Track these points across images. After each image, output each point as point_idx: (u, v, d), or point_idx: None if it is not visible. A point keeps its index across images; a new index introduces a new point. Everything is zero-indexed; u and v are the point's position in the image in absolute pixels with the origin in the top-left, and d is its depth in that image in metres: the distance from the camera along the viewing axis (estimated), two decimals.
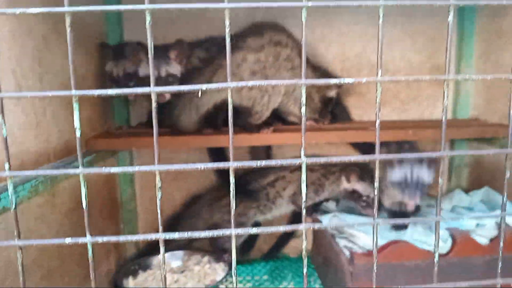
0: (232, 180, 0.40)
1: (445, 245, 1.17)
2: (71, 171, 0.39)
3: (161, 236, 0.41)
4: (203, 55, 1.38)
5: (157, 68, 1.24)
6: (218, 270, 1.43)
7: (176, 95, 1.27)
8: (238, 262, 1.54)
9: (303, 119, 0.41)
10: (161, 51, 1.25)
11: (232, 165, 0.40)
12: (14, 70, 0.88)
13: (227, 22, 0.36)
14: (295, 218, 1.61)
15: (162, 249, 0.41)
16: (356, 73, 1.55)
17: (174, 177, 1.58)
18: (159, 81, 1.24)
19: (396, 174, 1.24)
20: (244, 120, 1.30)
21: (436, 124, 1.45)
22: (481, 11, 1.50)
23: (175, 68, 1.27)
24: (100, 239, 0.41)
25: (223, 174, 1.44)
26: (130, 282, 1.40)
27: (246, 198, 1.45)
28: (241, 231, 0.41)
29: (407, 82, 1.57)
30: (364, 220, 1.37)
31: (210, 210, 1.49)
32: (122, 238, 0.40)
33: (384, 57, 1.55)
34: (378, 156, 0.41)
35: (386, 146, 1.43)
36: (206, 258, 1.50)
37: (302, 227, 0.42)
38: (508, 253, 1.19)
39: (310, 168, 1.46)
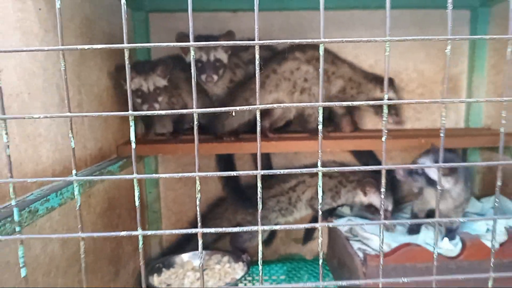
0: (259, 184, 0.48)
1: (455, 249, 1.22)
2: (126, 176, 0.47)
3: (199, 230, 0.49)
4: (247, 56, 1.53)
5: (206, 53, 1.35)
6: (237, 270, 1.51)
7: (229, 97, 1.43)
8: (256, 263, 1.62)
9: (320, 134, 0.48)
10: (211, 39, 1.34)
11: (259, 172, 0.48)
12: (58, 84, 0.98)
13: (257, 56, 0.44)
14: (314, 221, 1.68)
15: (200, 241, 0.49)
16: None
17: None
18: (208, 64, 1.35)
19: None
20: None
21: (448, 132, 1.50)
22: (493, 24, 1.54)
23: (223, 55, 1.38)
24: (149, 232, 0.49)
25: (230, 184, 1.54)
26: (155, 279, 1.49)
27: (268, 202, 1.53)
28: (266, 227, 0.48)
29: (420, 92, 1.62)
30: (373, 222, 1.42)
31: (234, 212, 1.57)
32: (167, 231, 0.48)
33: (398, 67, 1.61)
34: (384, 167, 0.48)
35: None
36: (226, 258, 1.58)
37: (318, 225, 0.49)
38: None
39: (329, 175, 1.53)
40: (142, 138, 1.52)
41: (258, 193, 0.48)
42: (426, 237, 1.28)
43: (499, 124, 1.53)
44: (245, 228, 0.47)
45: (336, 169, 0.49)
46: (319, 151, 0.49)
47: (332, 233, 1.54)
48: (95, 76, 1.20)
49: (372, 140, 1.35)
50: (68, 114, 0.47)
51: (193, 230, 0.48)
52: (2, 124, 0.47)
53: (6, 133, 0.47)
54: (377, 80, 1.51)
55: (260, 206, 0.48)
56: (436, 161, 1.27)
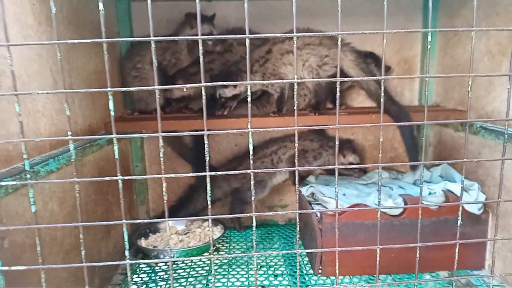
0: (206, 143, 0.66)
1: (398, 208, 1.42)
2: (108, 136, 0.65)
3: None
4: None
5: None
6: (216, 232, 1.72)
7: None
8: (233, 229, 1.82)
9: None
10: None
11: (205, 133, 0.66)
12: (51, 68, 1.15)
13: (200, 49, 0.62)
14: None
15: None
16: None
17: (178, 155, 1.86)
18: None
19: None
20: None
21: None
22: (442, 11, 1.72)
23: None
24: (127, 177, 0.67)
25: (199, 165, 1.76)
26: (142, 242, 1.68)
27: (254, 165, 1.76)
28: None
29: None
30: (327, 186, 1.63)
31: (226, 179, 1.80)
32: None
33: None
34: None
35: None
36: (206, 223, 1.78)
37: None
38: (452, 215, 1.45)
39: (311, 139, 1.81)
40: (128, 116, 1.69)
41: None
42: (375, 199, 1.48)
43: (445, 102, 1.73)
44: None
45: (265, 129, 0.68)
46: (249, 117, 0.67)
47: (299, 200, 1.74)
48: (82, 61, 1.37)
49: (329, 116, 1.53)
50: (63, 90, 0.64)
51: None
52: (15, 98, 0.64)
53: (19, 105, 0.65)
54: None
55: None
56: None
